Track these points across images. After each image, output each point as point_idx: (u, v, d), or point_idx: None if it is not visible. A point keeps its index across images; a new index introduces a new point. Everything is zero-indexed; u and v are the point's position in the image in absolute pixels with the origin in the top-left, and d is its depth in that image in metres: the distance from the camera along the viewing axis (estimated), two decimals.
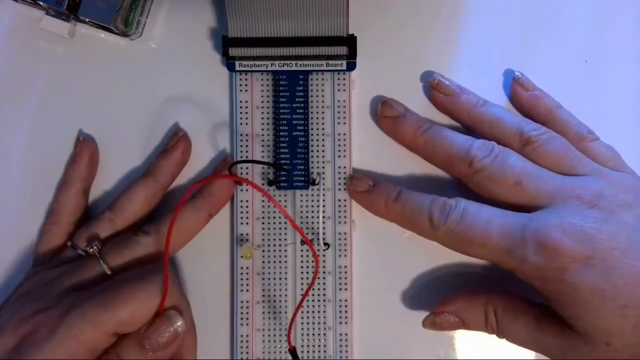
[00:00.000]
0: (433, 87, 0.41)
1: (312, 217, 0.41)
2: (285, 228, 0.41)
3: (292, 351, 0.37)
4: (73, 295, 0.36)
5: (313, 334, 0.40)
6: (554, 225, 0.35)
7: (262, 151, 0.41)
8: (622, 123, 0.42)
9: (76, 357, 0.34)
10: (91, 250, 0.38)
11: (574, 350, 0.36)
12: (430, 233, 0.38)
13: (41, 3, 0.41)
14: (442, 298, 0.39)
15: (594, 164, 0.39)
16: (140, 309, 0.35)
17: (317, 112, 0.41)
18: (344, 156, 0.41)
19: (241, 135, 0.41)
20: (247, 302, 0.41)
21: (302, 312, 0.40)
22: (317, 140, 0.41)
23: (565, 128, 0.40)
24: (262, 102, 0.41)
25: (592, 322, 0.35)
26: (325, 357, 0.40)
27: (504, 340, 0.38)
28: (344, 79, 0.41)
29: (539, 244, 0.35)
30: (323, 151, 0.41)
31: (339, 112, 0.41)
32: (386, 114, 0.41)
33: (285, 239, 0.41)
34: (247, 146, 0.41)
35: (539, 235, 0.35)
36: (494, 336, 0.39)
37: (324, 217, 0.41)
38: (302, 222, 0.41)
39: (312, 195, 0.41)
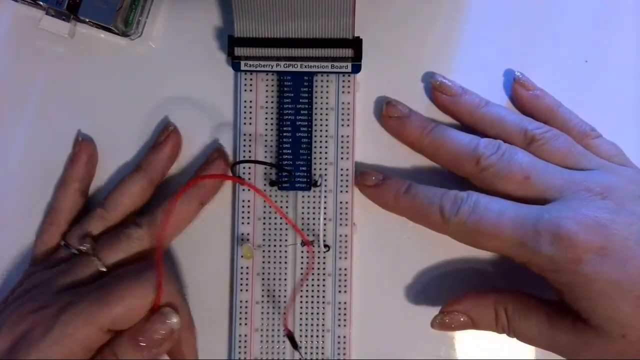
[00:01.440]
0: (435, 88, 0.41)
1: (313, 218, 0.41)
2: (286, 229, 0.41)
3: (291, 336, 0.37)
4: (69, 293, 0.36)
5: (311, 336, 0.40)
6: (568, 216, 0.35)
7: (265, 151, 0.41)
8: (623, 123, 0.42)
9: (71, 356, 0.34)
10: (84, 248, 0.38)
11: (588, 345, 0.35)
12: (442, 226, 0.38)
13: (41, 3, 0.41)
14: (444, 300, 0.39)
15: (599, 159, 0.39)
16: (135, 305, 0.35)
17: (321, 114, 0.41)
18: (347, 158, 0.41)
19: (244, 135, 0.41)
20: (247, 302, 0.41)
21: (301, 313, 0.40)
22: (321, 141, 0.41)
23: (568, 126, 0.40)
24: (267, 102, 0.41)
25: (607, 314, 0.34)
26: (322, 358, 0.40)
27: (504, 340, 0.38)
28: (349, 81, 0.41)
29: (552, 235, 0.35)
30: (326, 153, 0.41)
31: (342, 114, 0.41)
32: (391, 115, 0.41)
33: (286, 240, 0.41)
34: (250, 146, 0.41)
35: (553, 226, 0.35)
36: (493, 337, 0.38)
37: (325, 219, 0.41)
38: (303, 224, 0.41)
39: (314, 196, 0.41)
